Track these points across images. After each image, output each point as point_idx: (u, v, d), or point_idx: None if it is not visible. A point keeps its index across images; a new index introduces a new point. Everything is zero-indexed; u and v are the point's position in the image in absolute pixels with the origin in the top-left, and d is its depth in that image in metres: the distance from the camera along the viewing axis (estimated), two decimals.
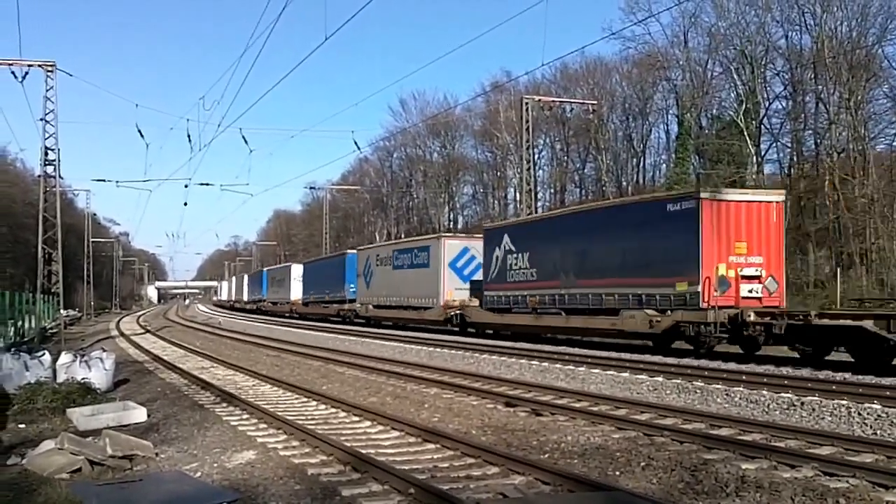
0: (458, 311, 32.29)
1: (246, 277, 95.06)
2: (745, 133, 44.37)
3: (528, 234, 27.71)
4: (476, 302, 31.14)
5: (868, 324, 15.73)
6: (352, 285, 45.88)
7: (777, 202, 20.29)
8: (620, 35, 52.70)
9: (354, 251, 47.45)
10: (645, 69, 56.30)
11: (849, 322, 16.33)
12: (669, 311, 19.94)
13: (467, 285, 32.81)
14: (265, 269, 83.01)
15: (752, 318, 18.09)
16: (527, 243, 27.25)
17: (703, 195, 19.74)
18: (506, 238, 28.74)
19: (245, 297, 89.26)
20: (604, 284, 22.60)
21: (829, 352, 17.41)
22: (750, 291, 19.29)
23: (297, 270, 62.54)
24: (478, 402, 13.50)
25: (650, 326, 20.46)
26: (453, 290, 33.16)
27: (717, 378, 14.68)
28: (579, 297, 23.69)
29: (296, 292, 61.32)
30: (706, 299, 18.85)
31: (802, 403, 11.79)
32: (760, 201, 20.27)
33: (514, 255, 27.82)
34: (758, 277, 19.44)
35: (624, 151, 62.24)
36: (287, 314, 62.03)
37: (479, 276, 31.71)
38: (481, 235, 31.63)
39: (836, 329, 16.62)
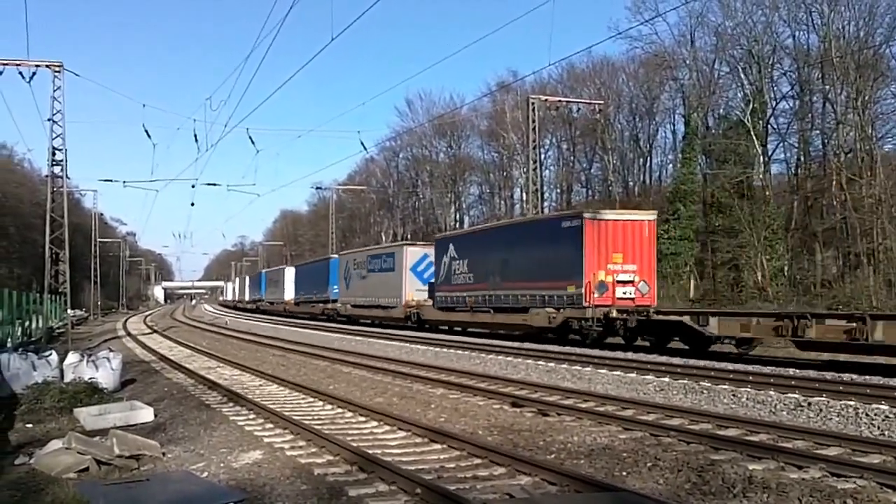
0: (415, 311, 36.49)
1: (247, 279, 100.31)
2: (752, 133, 44.28)
3: (468, 243, 32.56)
4: (431, 302, 35.42)
5: (686, 319, 20.36)
6: (335, 287, 50.65)
7: (649, 220, 24.85)
8: (627, 35, 52.62)
9: (337, 256, 52.84)
10: (652, 69, 56.20)
11: (673, 318, 21.05)
12: (563, 309, 24.47)
13: (426, 287, 37.03)
14: (263, 270, 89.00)
15: (615, 314, 22.79)
16: (466, 252, 31.98)
17: (585, 215, 24.53)
18: (451, 247, 33.57)
19: (246, 297, 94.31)
20: (519, 287, 27.25)
21: (668, 341, 21.85)
22: (624, 293, 23.79)
23: (290, 273, 68.31)
24: (484, 403, 13.49)
25: (549, 322, 25.04)
26: (413, 292, 37.50)
27: (723, 378, 14.65)
28: (502, 297, 28.36)
29: (289, 293, 66.47)
30: (587, 300, 23.46)
31: (809, 404, 11.76)
32: (634, 220, 24.89)
33: (457, 262, 32.44)
34: (631, 282, 23.94)
35: (630, 151, 62.19)
36: (282, 313, 65.96)
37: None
38: None
39: (667, 323, 21.21)
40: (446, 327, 34.57)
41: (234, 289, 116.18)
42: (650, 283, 24.32)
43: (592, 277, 23.50)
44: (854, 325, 15.87)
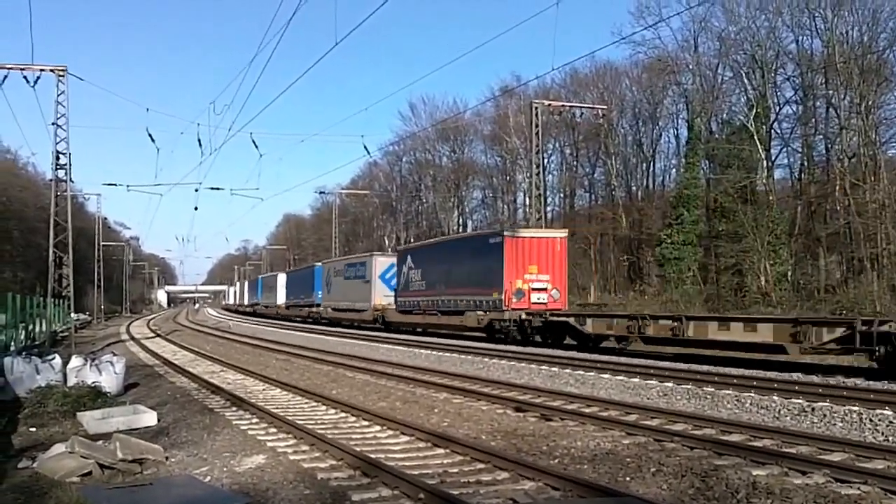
0: (381, 314, 40.99)
1: (246, 284, 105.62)
2: (756, 138, 44.22)
3: (422, 255, 37.08)
4: (394, 306, 40.05)
5: (571, 319, 24.61)
6: (319, 292, 54.86)
7: (560, 237, 29.38)
8: (630, 40, 52.59)
9: (321, 264, 57.23)
10: (655, 74, 56.16)
11: (562, 318, 25.35)
12: (489, 312, 28.68)
13: (392, 293, 40.79)
14: (260, 276, 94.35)
15: (524, 317, 27.23)
16: (420, 262, 36.50)
17: (506, 233, 29.40)
18: (409, 258, 38.21)
19: (245, 301, 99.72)
20: (458, 293, 31.48)
21: (563, 339, 26.00)
22: (538, 299, 28.00)
23: (282, 279, 73.24)
24: (487, 407, 13.49)
25: (478, 322, 29.41)
26: (381, 297, 41.67)
27: (727, 384, 14.63)
28: (446, 301, 32.56)
29: (281, 297, 71.46)
30: (507, 304, 27.65)
31: (813, 409, 11.73)
32: (548, 237, 29.43)
33: (413, 271, 36.87)
34: (545, 289, 28.20)
35: (634, 156, 62.17)
36: (275, 316, 70.84)
37: None
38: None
39: (559, 323, 25.46)
40: (407, 328, 38.24)
41: (234, 293, 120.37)
42: (561, 291, 28.61)
43: (510, 285, 27.70)
44: (676, 324, 20.10)
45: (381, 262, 42.85)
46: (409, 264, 37.70)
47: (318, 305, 54.20)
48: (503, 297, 27.69)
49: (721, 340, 19.09)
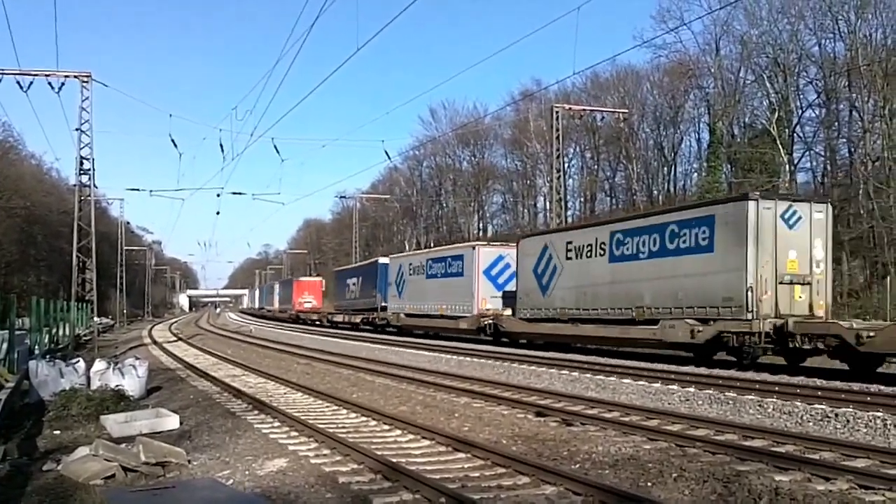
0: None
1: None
2: (778, 141, 44.01)
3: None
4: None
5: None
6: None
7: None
8: (652, 43, 52.68)
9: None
10: (676, 77, 56.04)
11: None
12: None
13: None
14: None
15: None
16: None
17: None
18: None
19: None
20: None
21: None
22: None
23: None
24: (508, 412, 13.47)
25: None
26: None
27: (749, 389, 14.54)
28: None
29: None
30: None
31: (836, 415, 11.64)
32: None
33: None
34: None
35: (655, 160, 61.98)
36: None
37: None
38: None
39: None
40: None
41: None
42: None
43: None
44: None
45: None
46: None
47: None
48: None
49: None
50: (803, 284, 19.20)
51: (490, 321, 31.78)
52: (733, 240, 19.13)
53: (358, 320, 50.12)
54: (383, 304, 45.22)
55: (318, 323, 61.95)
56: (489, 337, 31.89)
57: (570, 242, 26.21)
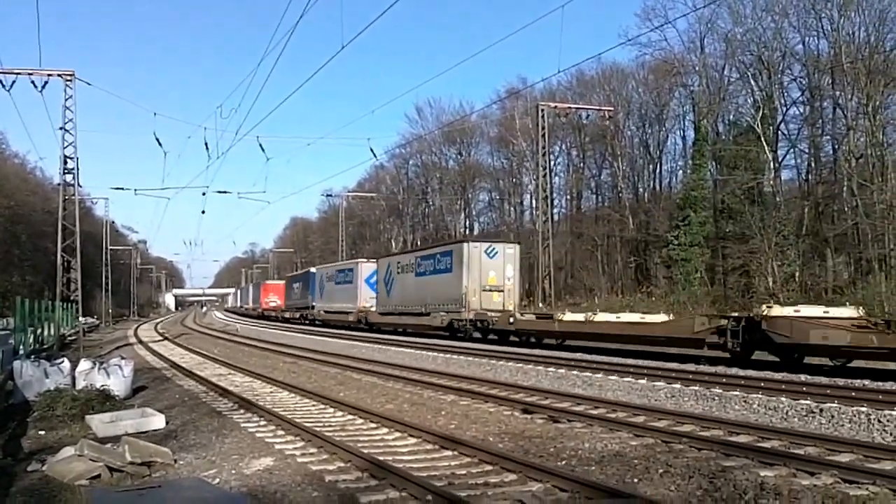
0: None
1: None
2: (763, 139, 44.16)
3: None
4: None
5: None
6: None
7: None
8: (636, 41, 52.58)
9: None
10: (661, 75, 56.16)
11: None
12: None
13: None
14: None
15: None
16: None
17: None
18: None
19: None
20: None
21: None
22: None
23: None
24: (495, 409, 13.49)
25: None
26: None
27: (735, 385, 14.62)
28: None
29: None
30: None
31: (821, 410, 11.71)
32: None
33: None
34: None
35: (640, 158, 62.07)
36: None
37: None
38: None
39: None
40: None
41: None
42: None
43: None
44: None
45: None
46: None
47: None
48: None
49: None
50: (498, 291, 32.72)
51: (364, 315, 45.91)
52: (458, 265, 33.33)
53: (297, 315, 65.05)
54: (312, 303, 59.68)
55: (276, 318, 75.42)
56: (364, 326, 45.26)
57: (398, 263, 41.05)
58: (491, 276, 32.83)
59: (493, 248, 33.46)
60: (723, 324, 19.05)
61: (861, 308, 18.11)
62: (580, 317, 25.20)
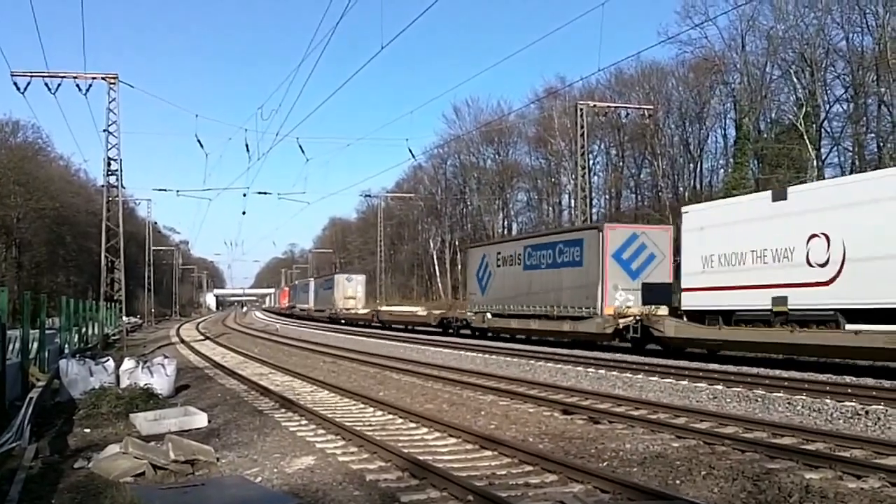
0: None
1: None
2: (805, 137, 43.54)
3: None
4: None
5: None
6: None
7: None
8: (677, 39, 52.19)
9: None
10: (702, 73, 55.60)
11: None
12: None
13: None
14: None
15: None
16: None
17: None
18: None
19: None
20: None
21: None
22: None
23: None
24: (534, 410, 13.45)
25: None
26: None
27: (778, 386, 14.43)
28: None
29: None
30: None
31: (867, 412, 11.52)
32: None
33: None
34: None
35: (681, 156, 61.54)
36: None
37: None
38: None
39: None
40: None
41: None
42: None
43: None
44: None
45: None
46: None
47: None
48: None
49: None
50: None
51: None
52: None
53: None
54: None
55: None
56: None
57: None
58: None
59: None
60: None
61: None
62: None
